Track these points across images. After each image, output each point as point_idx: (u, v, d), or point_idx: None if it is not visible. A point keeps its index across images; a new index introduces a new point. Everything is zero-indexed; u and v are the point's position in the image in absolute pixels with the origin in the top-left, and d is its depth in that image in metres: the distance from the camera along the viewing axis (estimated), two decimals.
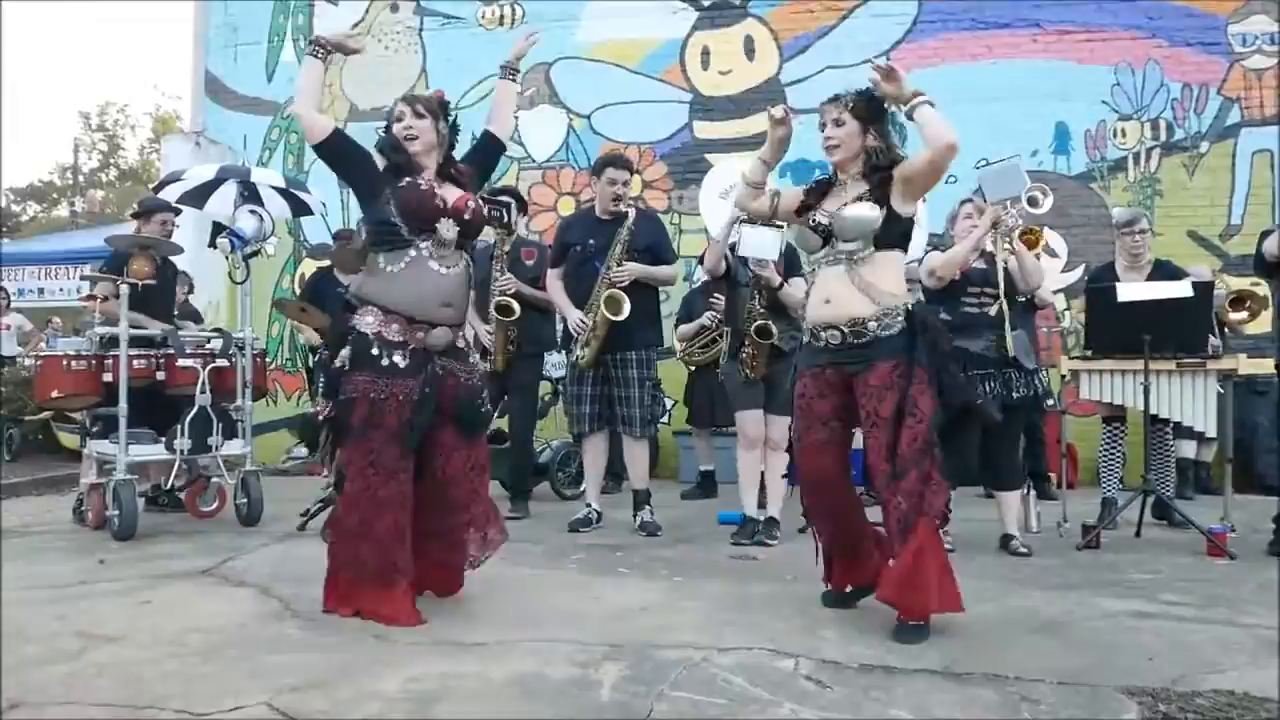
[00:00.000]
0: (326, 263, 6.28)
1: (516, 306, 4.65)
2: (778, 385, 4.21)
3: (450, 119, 3.03)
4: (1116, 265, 4.87)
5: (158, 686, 2.21)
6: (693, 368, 6.01)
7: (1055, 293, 6.24)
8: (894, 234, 2.82)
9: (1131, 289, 4.29)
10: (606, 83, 7.59)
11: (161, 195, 5.43)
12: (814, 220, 2.87)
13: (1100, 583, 3.42)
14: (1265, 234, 4.25)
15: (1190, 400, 4.21)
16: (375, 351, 2.77)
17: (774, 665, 2.40)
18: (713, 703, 2.14)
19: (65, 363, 4.47)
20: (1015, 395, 3.94)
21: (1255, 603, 3.12)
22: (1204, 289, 4.24)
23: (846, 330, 2.77)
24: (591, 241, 4.46)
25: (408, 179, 2.86)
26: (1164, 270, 4.74)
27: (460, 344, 2.98)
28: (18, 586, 3.17)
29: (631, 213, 4.48)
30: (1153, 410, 4.22)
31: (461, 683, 2.25)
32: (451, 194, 2.90)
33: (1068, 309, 6.70)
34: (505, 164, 7.69)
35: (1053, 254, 6.41)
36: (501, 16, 7.82)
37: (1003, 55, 7.04)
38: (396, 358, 2.77)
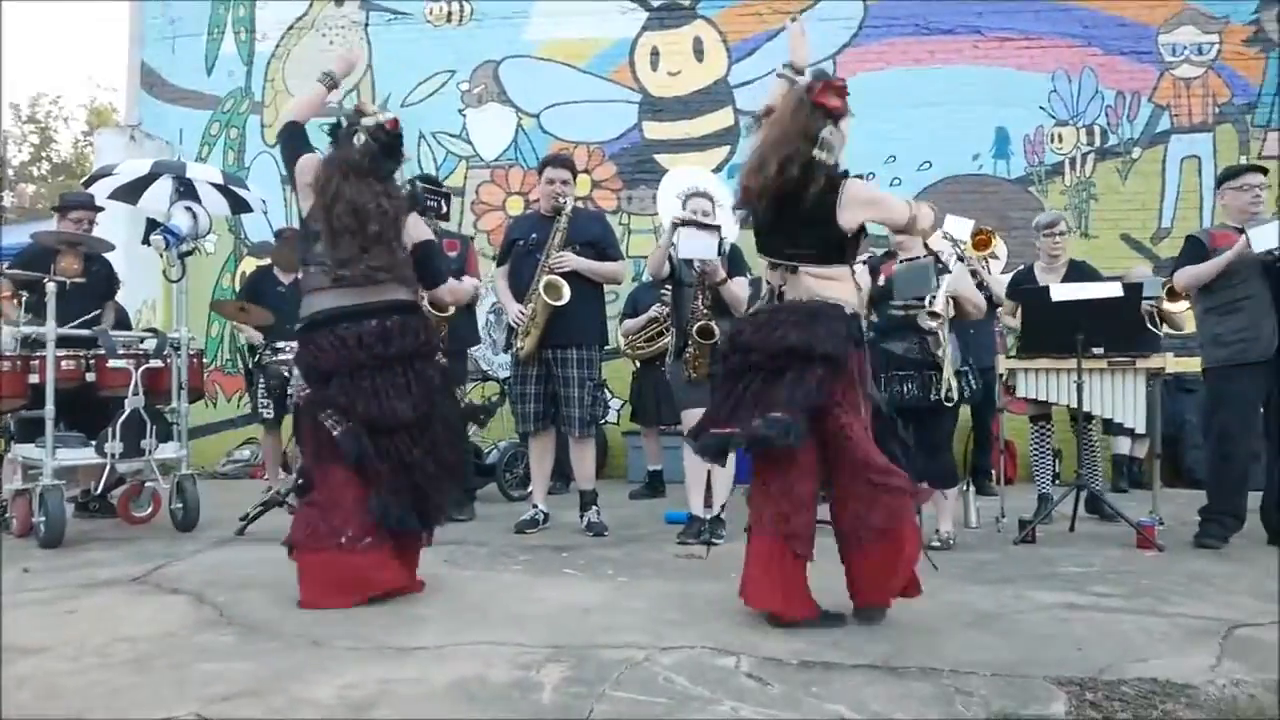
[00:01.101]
0: (267, 261, 6.15)
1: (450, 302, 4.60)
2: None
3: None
4: (1035, 266, 5.06)
5: (81, 699, 2.14)
6: (637, 364, 6.02)
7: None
8: (830, 244, 2.86)
9: (1065, 289, 4.41)
10: (555, 82, 7.56)
11: (93, 190, 5.26)
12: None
13: (1035, 576, 3.50)
14: (1190, 238, 4.41)
15: (1121, 398, 4.34)
16: None
17: (715, 663, 2.41)
18: (654, 702, 2.14)
19: None
20: (933, 396, 3.96)
21: (1181, 593, 3.23)
22: (1133, 290, 4.37)
23: None
24: (534, 236, 4.48)
25: None
26: (1080, 270, 4.91)
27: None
28: None
29: (568, 204, 4.50)
30: (1086, 408, 4.35)
31: (399, 688, 2.21)
32: None
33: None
34: (453, 162, 7.63)
35: (995, 257, 6.56)
36: (449, 13, 7.74)
37: (945, 61, 7.19)
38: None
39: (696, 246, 3.95)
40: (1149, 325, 4.99)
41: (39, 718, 2.04)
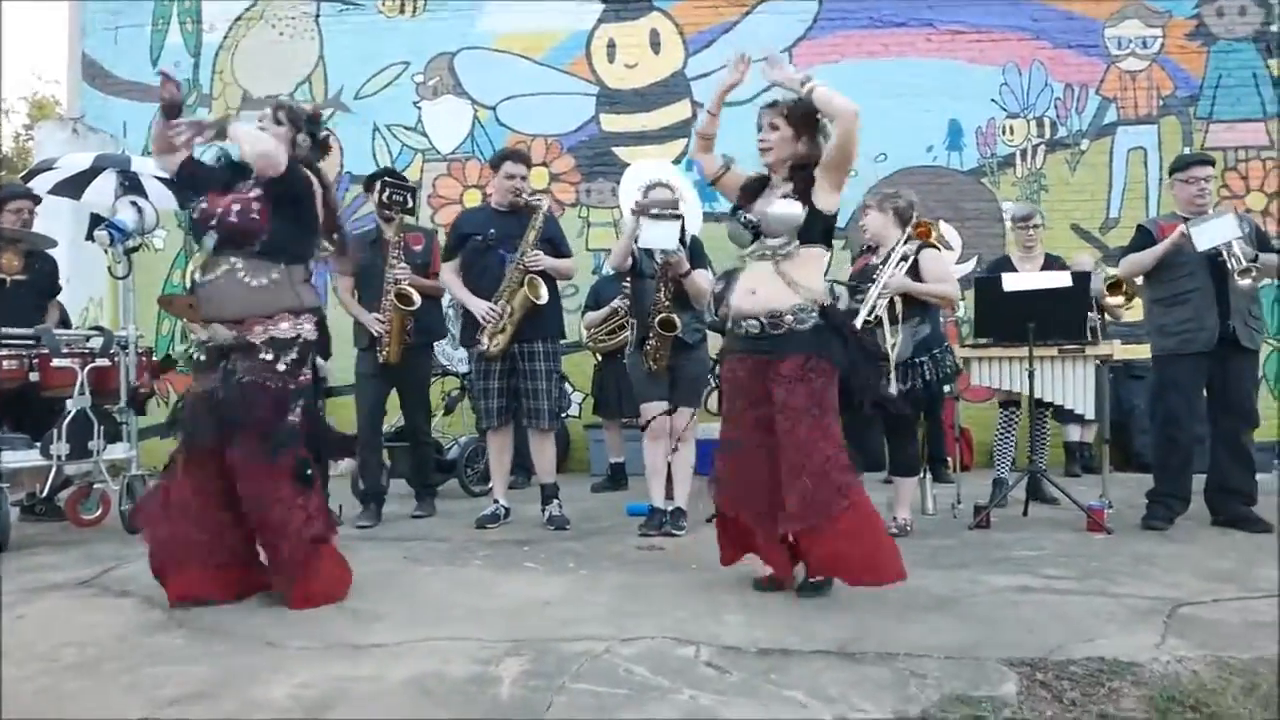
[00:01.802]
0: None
1: (417, 296, 4.55)
2: (681, 377, 4.27)
3: (313, 134, 3.14)
4: (1012, 257, 5.18)
5: (27, 705, 2.08)
6: (599, 357, 6.01)
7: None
8: (816, 231, 2.98)
9: (1016, 279, 4.50)
10: (511, 74, 7.49)
11: (34, 185, 5.10)
12: (745, 218, 3.03)
13: (989, 560, 3.57)
14: (1140, 227, 4.52)
15: (1071, 384, 4.44)
16: (194, 350, 3.06)
17: (675, 653, 2.42)
18: (614, 693, 2.15)
19: None
20: (883, 388, 4.03)
21: (1128, 574, 3.31)
22: (1081, 279, 4.46)
23: (765, 321, 2.94)
24: (493, 231, 4.41)
25: (202, 197, 3.00)
26: (1055, 264, 5.05)
27: (256, 341, 2.89)
28: None
29: (545, 202, 4.55)
30: (1038, 395, 4.44)
31: (355, 686, 2.19)
32: (225, 202, 2.94)
33: (963, 299, 6.98)
34: (409, 155, 7.53)
35: (947, 246, 6.67)
36: (402, 4, 7.62)
37: (898, 53, 7.26)
38: (199, 353, 3.02)
39: (658, 236, 3.94)
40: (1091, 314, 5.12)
41: None
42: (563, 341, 4.69)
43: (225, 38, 7.79)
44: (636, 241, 4.07)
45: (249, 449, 2.85)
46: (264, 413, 2.87)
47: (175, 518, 2.90)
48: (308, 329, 2.97)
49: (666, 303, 4.16)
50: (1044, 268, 4.93)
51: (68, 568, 3.59)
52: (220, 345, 2.94)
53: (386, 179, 4.59)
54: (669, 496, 4.28)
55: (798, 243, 2.95)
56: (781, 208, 2.94)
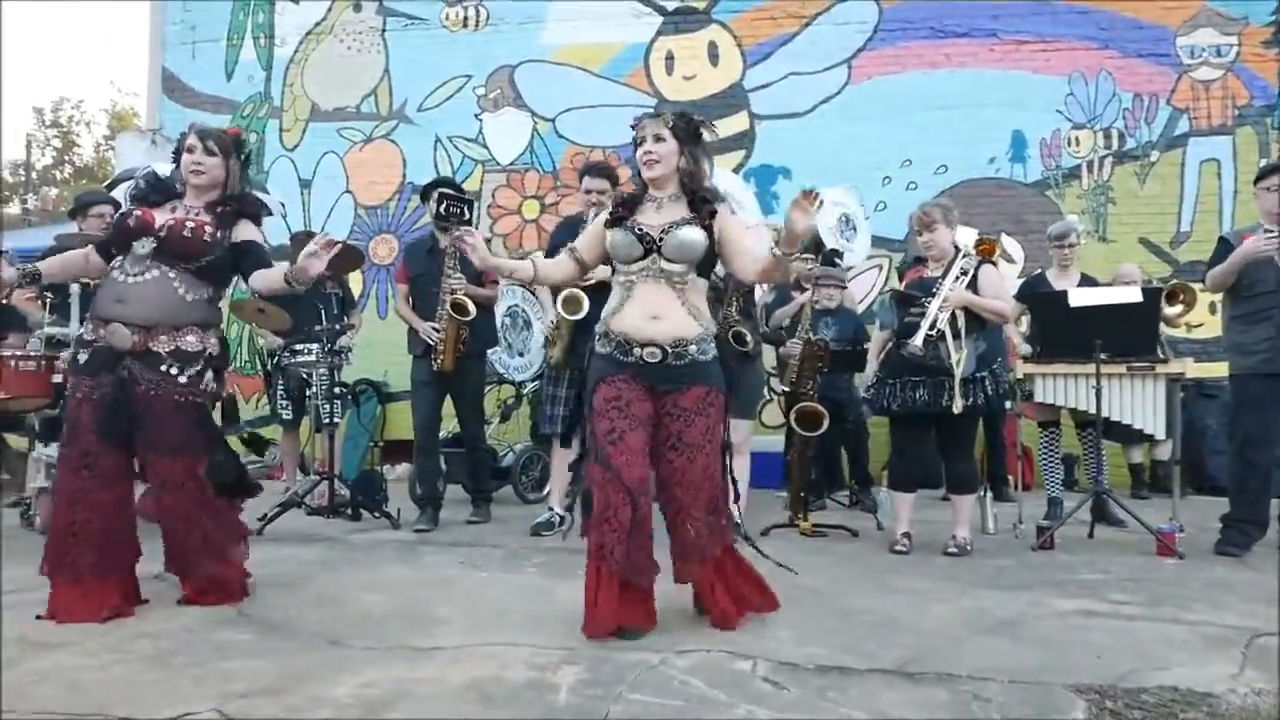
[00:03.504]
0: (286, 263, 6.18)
1: (472, 306, 4.61)
2: (738, 389, 4.24)
3: (243, 157, 3.21)
4: (1048, 274, 5.13)
5: (102, 694, 2.16)
6: None
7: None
8: (707, 263, 2.84)
9: (1083, 294, 4.39)
10: (571, 86, 7.59)
11: (114, 195, 5.31)
12: (640, 229, 2.78)
13: (1053, 583, 3.48)
14: (1221, 239, 4.38)
15: (1140, 403, 4.31)
16: (76, 350, 3.02)
17: (731, 667, 2.41)
18: (670, 704, 2.14)
19: (13, 363, 4.35)
20: (945, 402, 3.95)
21: (1201, 600, 3.20)
22: (1152, 295, 4.33)
23: (670, 349, 2.73)
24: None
25: (133, 208, 3.05)
26: (1090, 283, 4.98)
27: (161, 351, 2.92)
28: None
29: (591, 214, 4.51)
30: (1105, 413, 4.31)
31: (416, 687, 2.22)
32: (165, 217, 3.01)
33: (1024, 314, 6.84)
34: (469, 166, 7.67)
35: (1010, 260, 6.54)
36: (465, 18, 7.78)
37: (961, 64, 7.16)
38: (82, 354, 2.97)
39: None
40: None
41: (61, 713, 2.06)
42: None
43: (296, 52, 8.04)
44: None
45: (174, 457, 2.92)
46: (185, 422, 2.94)
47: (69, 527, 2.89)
48: (213, 344, 3.06)
49: (737, 317, 4.17)
50: (1080, 286, 4.84)
51: (141, 561, 3.71)
52: (114, 348, 2.91)
53: (444, 190, 4.67)
54: None
55: (694, 272, 2.79)
56: (691, 235, 2.75)
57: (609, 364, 2.79)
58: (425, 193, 4.99)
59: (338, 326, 4.96)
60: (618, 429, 2.69)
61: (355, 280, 6.90)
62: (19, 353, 4.44)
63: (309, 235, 6.86)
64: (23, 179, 25.16)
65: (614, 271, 2.88)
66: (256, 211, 3.21)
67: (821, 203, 2.65)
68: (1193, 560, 3.92)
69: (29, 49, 42.17)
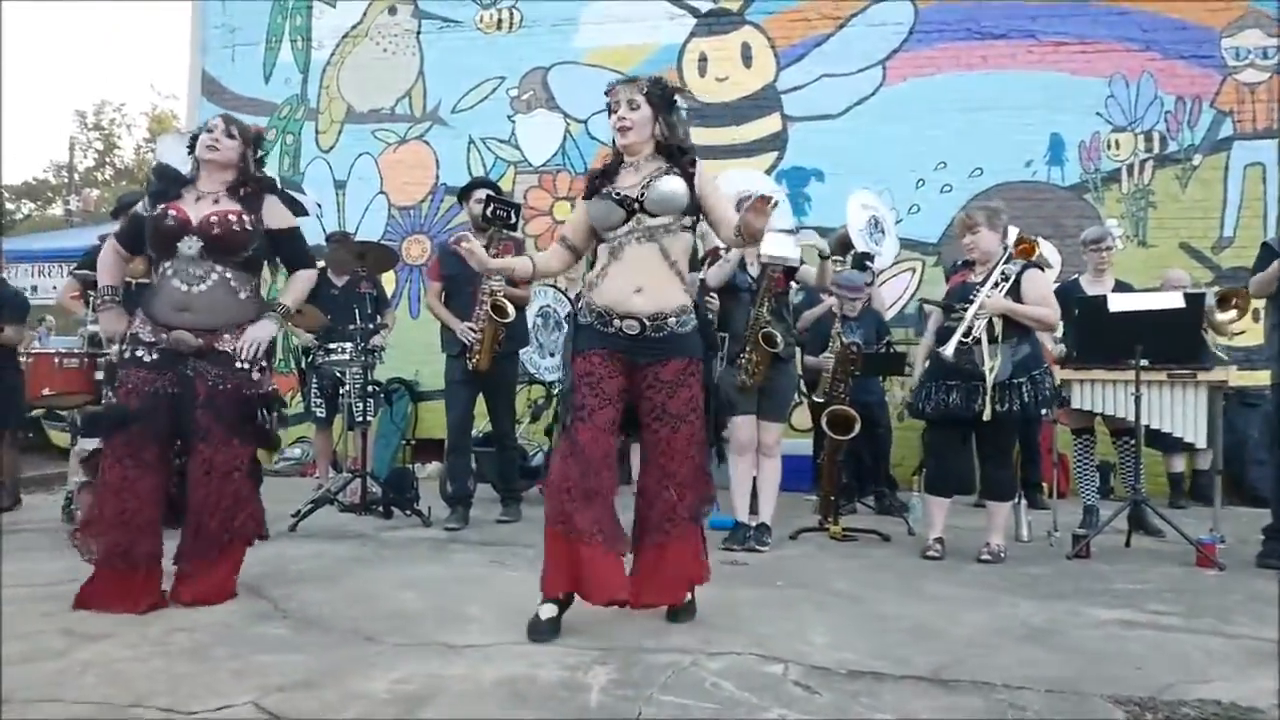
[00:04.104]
0: (321, 264, 6.26)
1: (511, 309, 4.64)
2: (770, 391, 4.24)
3: (260, 154, 3.24)
4: (1082, 280, 5.04)
5: (143, 685, 2.20)
6: None
7: None
8: (691, 210, 2.80)
9: (1123, 300, 4.32)
10: (603, 88, 7.57)
11: None
12: (617, 193, 2.75)
13: (1089, 592, 3.42)
14: (1264, 244, 4.28)
15: (1181, 411, 4.23)
16: (131, 347, 3.02)
17: (762, 670, 2.40)
18: (701, 707, 2.14)
19: (56, 361, 4.46)
20: (977, 408, 3.90)
21: (1243, 613, 3.13)
22: (1194, 301, 4.25)
23: (648, 323, 2.72)
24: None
25: (161, 206, 3.03)
26: (1125, 289, 4.88)
27: (224, 349, 3.03)
28: (5, 584, 3.15)
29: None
30: (1144, 421, 4.23)
31: (450, 684, 2.24)
32: (203, 212, 3.03)
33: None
34: (502, 167, 7.72)
35: (1047, 265, 6.45)
36: (499, 20, 7.83)
37: (998, 65, 7.07)
38: (142, 352, 2.99)
39: (782, 246, 3.95)
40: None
41: (102, 701, 2.10)
42: None
43: (333, 54, 8.15)
44: (760, 252, 3.98)
45: (230, 444, 3.02)
46: (248, 413, 3.06)
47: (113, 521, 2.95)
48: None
49: (769, 318, 4.15)
50: (1114, 291, 4.73)
51: None
52: (178, 350, 2.98)
53: (492, 195, 4.70)
54: (753, 511, 4.25)
55: (679, 223, 2.76)
56: (671, 184, 2.71)
57: (589, 335, 2.79)
58: (464, 194, 5.03)
59: (371, 326, 5.01)
60: (588, 406, 2.73)
61: (388, 280, 6.96)
62: (62, 350, 4.55)
63: (345, 235, 6.98)
64: (65, 181, 25.74)
65: (600, 241, 2.85)
66: (274, 185, 3.25)
67: (776, 204, 2.68)
68: (1233, 572, 3.83)
69: (72, 53, 43.14)
